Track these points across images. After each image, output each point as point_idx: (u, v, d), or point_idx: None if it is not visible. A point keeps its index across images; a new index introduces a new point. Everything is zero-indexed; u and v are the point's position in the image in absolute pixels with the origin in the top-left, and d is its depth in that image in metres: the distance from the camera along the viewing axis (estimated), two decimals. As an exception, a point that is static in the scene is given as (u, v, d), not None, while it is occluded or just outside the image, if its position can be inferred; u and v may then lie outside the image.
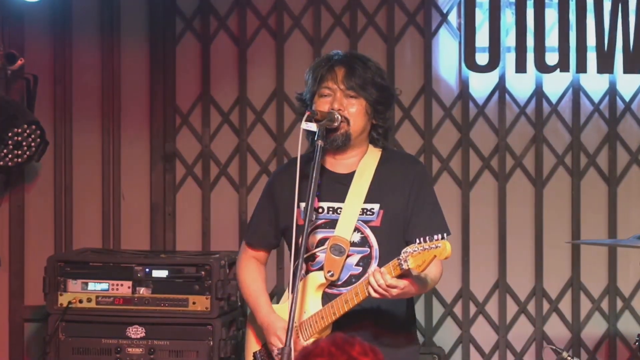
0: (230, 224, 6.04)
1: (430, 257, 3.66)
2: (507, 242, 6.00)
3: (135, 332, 5.25)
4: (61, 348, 5.27)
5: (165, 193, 6.05)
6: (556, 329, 6.01)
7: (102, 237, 6.03)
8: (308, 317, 3.97)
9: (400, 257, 3.71)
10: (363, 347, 2.62)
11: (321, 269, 4.00)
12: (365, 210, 3.99)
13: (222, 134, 6.07)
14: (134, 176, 6.07)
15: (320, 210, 4.02)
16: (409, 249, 3.70)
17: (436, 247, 3.65)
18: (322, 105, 3.99)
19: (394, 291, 3.78)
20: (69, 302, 5.27)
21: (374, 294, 3.79)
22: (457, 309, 6.02)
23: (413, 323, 4.17)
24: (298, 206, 3.96)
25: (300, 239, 3.87)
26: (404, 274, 3.78)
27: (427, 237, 3.67)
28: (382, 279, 3.75)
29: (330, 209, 4.02)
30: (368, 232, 3.98)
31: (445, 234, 3.69)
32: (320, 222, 4.02)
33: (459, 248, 5.98)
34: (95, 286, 5.29)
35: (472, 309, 6.02)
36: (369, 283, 3.78)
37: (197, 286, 5.24)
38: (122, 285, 5.28)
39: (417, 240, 3.68)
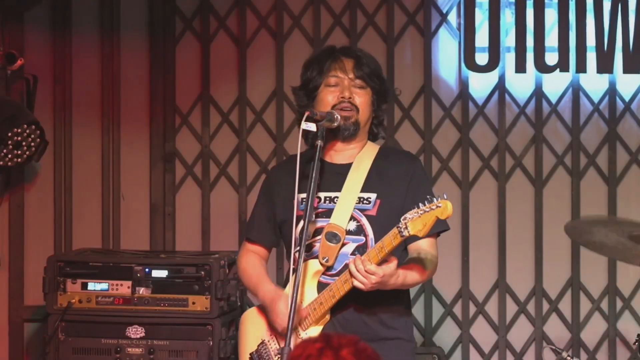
0: (230, 224, 6.04)
1: (431, 218, 3.60)
2: (507, 242, 6.00)
3: (135, 332, 5.25)
4: (61, 348, 5.27)
5: (165, 193, 6.05)
6: (556, 329, 6.01)
7: (102, 237, 6.04)
8: (306, 306, 3.97)
9: (400, 225, 3.67)
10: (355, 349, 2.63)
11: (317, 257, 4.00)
12: (362, 199, 4.00)
13: (222, 134, 6.07)
14: (134, 176, 6.07)
15: (317, 200, 4.03)
16: (407, 215, 3.65)
17: (437, 207, 3.60)
18: (329, 94, 4.00)
19: (373, 278, 3.75)
20: (69, 302, 5.27)
21: (356, 284, 3.78)
22: (457, 309, 6.02)
23: (409, 320, 4.15)
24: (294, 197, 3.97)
25: (300, 233, 3.87)
26: (385, 260, 3.76)
27: (425, 201, 3.63)
28: (361, 265, 3.75)
29: (327, 199, 4.02)
30: (364, 220, 3.98)
31: (444, 195, 3.65)
32: (317, 211, 4.02)
33: (459, 248, 5.98)
34: (95, 286, 5.29)
35: (472, 309, 6.02)
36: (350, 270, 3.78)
37: (197, 286, 5.24)
38: (121, 285, 5.28)
39: (415, 207, 3.65)
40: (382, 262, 3.79)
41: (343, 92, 3.99)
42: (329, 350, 2.63)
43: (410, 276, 3.92)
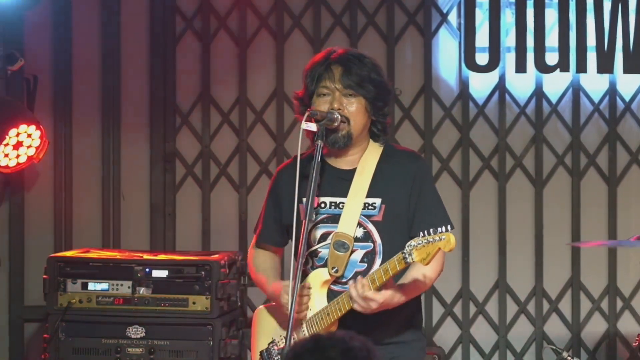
0: (230, 224, 6.04)
1: (434, 249, 3.68)
2: (507, 242, 6.00)
3: (135, 332, 5.25)
4: (61, 348, 5.26)
5: (165, 193, 6.05)
6: (556, 329, 6.01)
7: (102, 237, 6.04)
8: (314, 314, 3.97)
9: (405, 251, 3.73)
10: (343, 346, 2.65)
11: (325, 265, 4.00)
12: (367, 205, 4.00)
13: (222, 134, 6.07)
14: (134, 176, 6.07)
15: (322, 205, 4.02)
16: (413, 242, 3.72)
17: (440, 239, 3.67)
18: (321, 105, 4.00)
19: (373, 304, 3.80)
20: (69, 302, 5.27)
21: (356, 307, 3.82)
22: (457, 309, 6.02)
23: (419, 319, 4.17)
24: (301, 202, 3.97)
25: (301, 237, 3.87)
26: (383, 287, 3.80)
27: (431, 230, 3.69)
28: (361, 290, 3.78)
29: (333, 204, 4.02)
30: (371, 227, 3.99)
31: (449, 226, 3.70)
32: (322, 217, 4.02)
33: (459, 248, 5.98)
34: (95, 286, 5.29)
35: (472, 309, 6.03)
36: (350, 294, 3.82)
37: (197, 286, 5.24)
38: (122, 285, 5.27)
39: (421, 234, 3.70)
40: (387, 284, 3.83)
41: (333, 104, 4.00)
42: (317, 351, 2.65)
43: (412, 288, 3.94)
